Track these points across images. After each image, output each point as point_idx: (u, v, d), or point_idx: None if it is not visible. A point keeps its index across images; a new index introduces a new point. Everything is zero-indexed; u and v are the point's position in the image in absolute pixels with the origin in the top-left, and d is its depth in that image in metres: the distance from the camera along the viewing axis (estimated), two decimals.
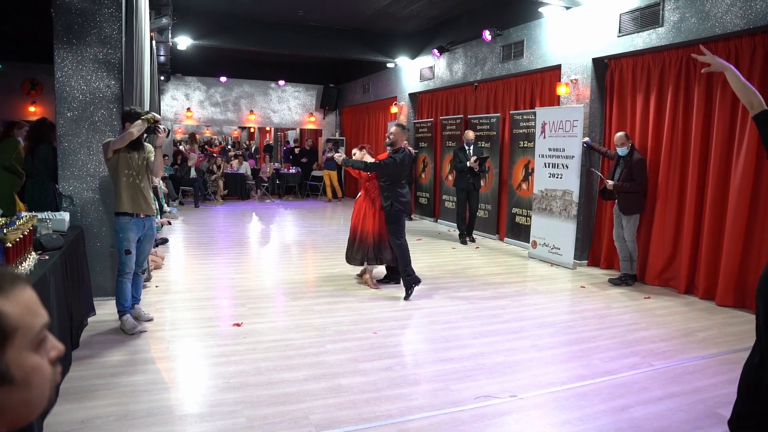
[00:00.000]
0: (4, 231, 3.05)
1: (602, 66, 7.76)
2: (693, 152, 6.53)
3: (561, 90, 8.17)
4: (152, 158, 4.95)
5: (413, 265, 6.16)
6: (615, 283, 6.86)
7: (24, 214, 4.02)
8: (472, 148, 9.57)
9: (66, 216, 4.93)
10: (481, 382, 3.93)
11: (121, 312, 4.86)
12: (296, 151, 17.56)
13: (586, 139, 7.64)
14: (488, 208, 10.25)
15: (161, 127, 4.82)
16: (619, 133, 6.86)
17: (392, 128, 6.18)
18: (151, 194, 5.03)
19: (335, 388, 3.79)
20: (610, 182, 6.77)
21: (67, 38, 5.44)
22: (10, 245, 3.06)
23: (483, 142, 10.37)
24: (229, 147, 23.10)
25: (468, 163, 9.29)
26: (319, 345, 4.60)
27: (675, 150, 6.76)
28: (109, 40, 5.53)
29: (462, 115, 11.25)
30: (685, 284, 6.61)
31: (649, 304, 6.12)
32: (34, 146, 6.09)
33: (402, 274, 6.11)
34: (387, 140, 6.20)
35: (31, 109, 14.59)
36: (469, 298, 6.14)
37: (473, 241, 9.80)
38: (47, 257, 3.88)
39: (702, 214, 6.48)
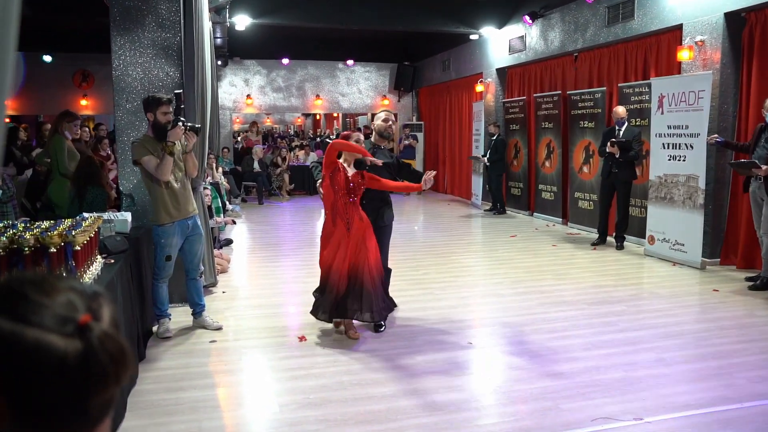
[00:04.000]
0: (72, 233, 3.22)
1: (738, 22, 7.34)
2: None
3: (683, 55, 7.80)
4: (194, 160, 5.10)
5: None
6: (757, 287, 6.46)
7: (87, 215, 4.25)
8: (624, 128, 8.56)
9: (129, 216, 5.16)
10: (597, 401, 3.81)
11: (159, 316, 5.10)
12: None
13: (715, 136, 6.98)
14: (593, 198, 9.96)
15: (184, 126, 4.78)
16: None
17: (392, 116, 5.60)
18: (191, 189, 5.17)
19: (429, 406, 3.78)
20: (764, 167, 6.24)
21: (123, 23, 5.72)
22: (79, 248, 3.24)
23: (586, 122, 10.08)
24: (293, 137, 23.63)
25: (606, 149, 8.58)
26: (408, 356, 4.62)
27: None
28: (167, 23, 5.77)
29: (560, 92, 11.00)
30: None
31: None
32: (81, 187, 6.00)
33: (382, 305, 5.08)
34: (386, 131, 5.41)
35: (83, 102, 15.52)
36: (576, 303, 5.98)
37: (622, 247, 8.66)
38: (112, 261, 4.09)
39: None
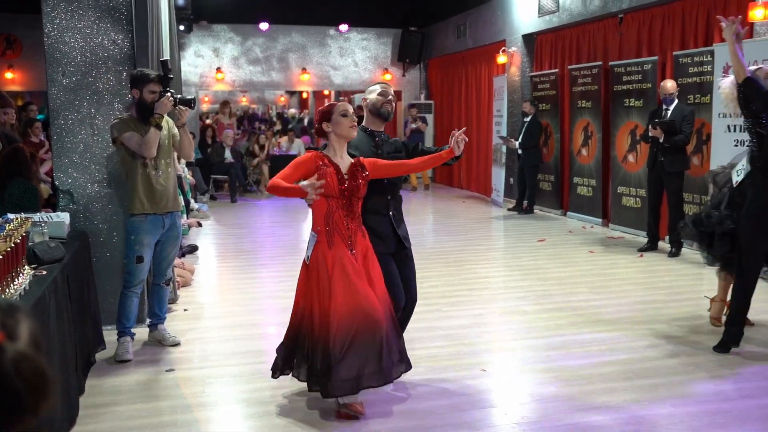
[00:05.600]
0: None
1: None
2: None
3: (756, 14, 7.78)
4: (177, 139, 5.32)
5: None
6: None
7: (12, 216, 4.25)
8: (673, 106, 8.58)
9: (66, 218, 5.18)
10: None
11: (122, 333, 5.19)
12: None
13: None
14: (640, 193, 9.96)
15: (173, 98, 5.08)
16: None
17: (391, 90, 4.84)
18: (176, 184, 5.27)
19: None
20: None
21: None
22: (0, 257, 3.25)
23: (632, 100, 10.09)
24: (275, 120, 23.65)
25: (650, 132, 8.59)
26: (411, 386, 4.64)
27: None
28: None
29: (601, 63, 11.04)
30: None
31: None
32: (4, 180, 5.98)
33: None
34: (384, 109, 4.62)
35: (8, 75, 15.42)
36: (617, 323, 5.99)
37: (677, 254, 8.60)
38: (44, 272, 4.09)
39: None
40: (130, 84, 5.20)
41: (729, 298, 5.61)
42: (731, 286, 5.57)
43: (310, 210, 4.21)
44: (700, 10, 9.22)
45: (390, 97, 4.69)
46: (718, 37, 8.76)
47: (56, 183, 5.87)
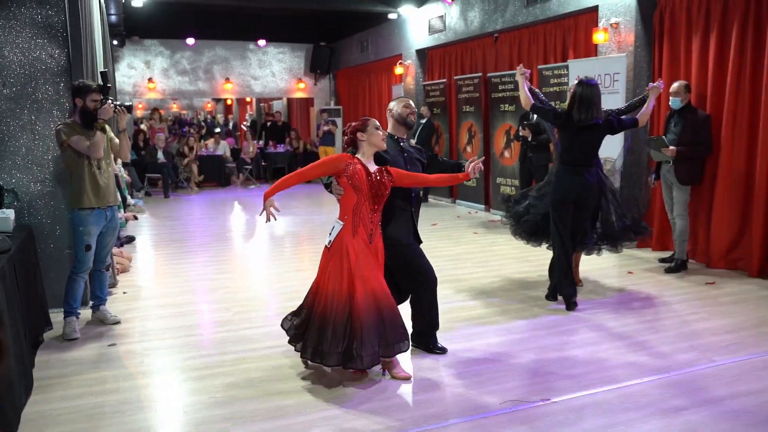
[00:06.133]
0: None
1: (649, 5, 7.80)
2: (764, 106, 6.52)
3: (598, 37, 8.22)
4: (116, 141, 5.34)
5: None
6: (671, 270, 6.92)
7: None
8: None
9: (11, 214, 5.08)
10: (507, 384, 4.07)
11: (68, 313, 5.17)
12: (268, 125, 17.80)
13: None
14: (515, 183, 10.33)
15: (114, 105, 5.09)
16: (680, 82, 6.82)
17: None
18: (115, 182, 5.27)
19: (338, 397, 3.96)
20: (671, 148, 6.68)
21: None
22: None
23: (506, 105, 10.44)
24: (203, 124, 23.28)
25: (520, 132, 8.91)
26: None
27: (742, 105, 6.76)
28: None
29: (480, 74, 11.32)
30: (758, 266, 6.67)
31: (713, 291, 6.21)
32: None
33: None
34: (409, 119, 4.72)
35: None
36: (494, 291, 6.26)
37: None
38: None
39: None
40: (72, 94, 5.13)
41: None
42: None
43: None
44: (557, 32, 9.61)
45: (414, 108, 4.76)
46: (572, 55, 9.18)
47: (1, 183, 5.72)
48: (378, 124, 4.29)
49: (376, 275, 4.20)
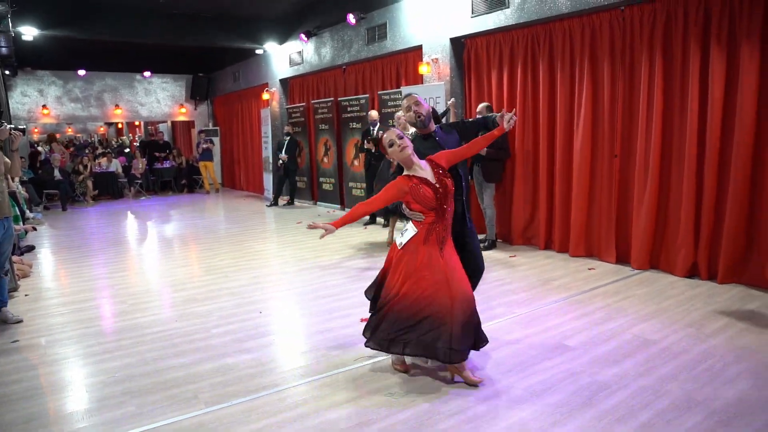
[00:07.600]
0: None
1: (459, 45, 8.24)
2: (542, 122, 7.17)
3: (423, 69, 8.58)
4: (7, 160, 4.92)
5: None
6: (486, 248, 7.37)
7: None
8: (377, 127, 9.13)
9: None
10: (360, 346, 4.20)
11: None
12: (151, 143, 17.09)
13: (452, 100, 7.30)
14: (363, 186, 10.55)
15: (9, 128, 4.79)
16: (483, 104, 7.35)
17: (412, 100, 3.98)
18: (7, 196, 4.88)
19: (222, 367, 3.91)
20: (483, 150, 7.13)
21: None
22: None
23: (354, 123, 10.63)
24: (96, 144, 21.74)
25: (365, 145, 9.11)
26: (204, 330, 4.66)
27: (527, 121, 7.37)
28: None
29: (333, 98, 11.41)
30: (544, 240, 7.29)
31: (514, 262, 6.70)
32: None
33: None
34: (419, 120, 3.92)
35: None
36: (347, 270, 6.39)
37: (373, 222, 9.64)
38: None
39: (553, 176, 7.16)
40: None
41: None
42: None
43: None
44: (392, 65, 9.90)
45: (415, 99, 3.92)
46: (404, 82, 9.51)
47: None
48: (391, 138, 3.49)
49: (459, 277, 3.53)
